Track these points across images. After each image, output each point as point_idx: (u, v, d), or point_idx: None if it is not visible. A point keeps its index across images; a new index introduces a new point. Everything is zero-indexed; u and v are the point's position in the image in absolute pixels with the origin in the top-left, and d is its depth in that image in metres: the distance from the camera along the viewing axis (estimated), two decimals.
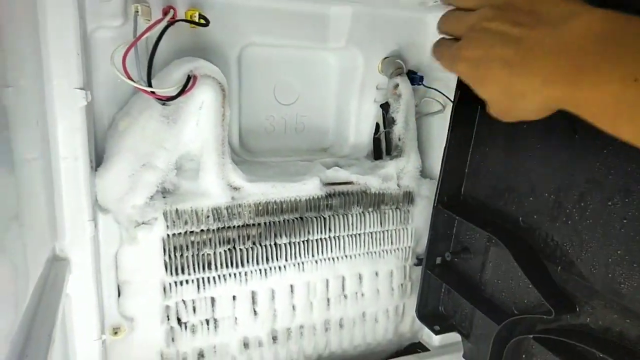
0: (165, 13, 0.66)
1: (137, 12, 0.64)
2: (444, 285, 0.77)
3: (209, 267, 0.74)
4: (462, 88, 0.67)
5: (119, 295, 0.71)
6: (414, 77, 0.88)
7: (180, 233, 0.71)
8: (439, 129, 0.91)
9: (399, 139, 0.88)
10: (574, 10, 0.35)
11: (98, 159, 0.68)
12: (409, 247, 0.90)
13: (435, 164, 0.92)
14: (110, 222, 0.67)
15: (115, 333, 0.71)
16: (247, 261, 0.76)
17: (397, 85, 0.86)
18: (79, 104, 0.57)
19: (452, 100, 0.69)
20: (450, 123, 0.70)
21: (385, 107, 0.89)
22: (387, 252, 0.88)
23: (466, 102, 0.67)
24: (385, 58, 0.88)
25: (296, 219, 0.79)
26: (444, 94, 0.88)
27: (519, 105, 0.39)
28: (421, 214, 0.90)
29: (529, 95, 0.37)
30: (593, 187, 0.52)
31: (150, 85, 0.64)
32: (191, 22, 0.67)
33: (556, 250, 0.57)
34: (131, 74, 0.63)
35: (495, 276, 0.68)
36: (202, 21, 0.68)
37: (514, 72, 0.37)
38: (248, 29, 0.78)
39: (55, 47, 0.54)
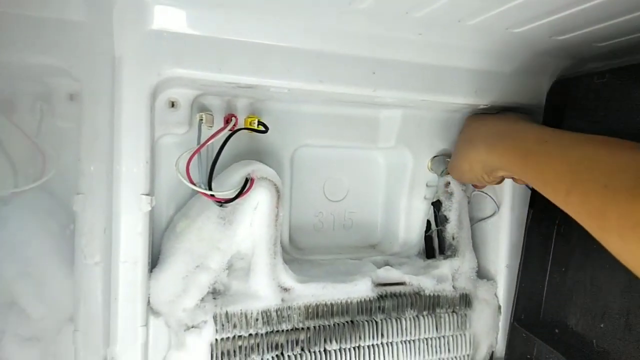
0: (227, 121, 0.70)
1: (202, 120, 0.68)
2: None
3: None
4: (535, 207, 0.73)
5: None
6: None
7: (228, 337, 0.69)
8: (495, 226, 0.88)
9: (453, 238, 0.86)
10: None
11: (153, 260, 0.68)
12: (468, 355, 0.83)
13: (492, 264, 0.88)
14: (161, 326, 0.66)
15: None
16: None
17: (448, 184, 0.86)
18: (144, 210, 0.59)
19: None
20: (524, 242, 0.73)
21: (437, 205, 0.88)
22: None
23: (540, 220, 0.71)
24: (435, 157, 0.88)
25: (347, 322, 0.76)
26: (493, 199, 0.87)
27: (468, 169, 0.72)
28: (479, 319, 0.84)
29: (474, 163, 0.69)
30: None
31: (210, 189, 0.66)
32: (251, 129, 0.70)
33: None
34: (193, 177, 0.65)
35: None
36: (261, 127, 0.71)
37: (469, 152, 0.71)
38: (302, 133, 0.81)
39: (126, 156, 0.57)
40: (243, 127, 0.71)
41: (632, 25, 0.57)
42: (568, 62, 0.76)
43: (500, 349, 0.87)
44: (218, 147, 0.67)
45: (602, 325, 0.58)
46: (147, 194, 0.59)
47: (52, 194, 0.62)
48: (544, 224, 0.70)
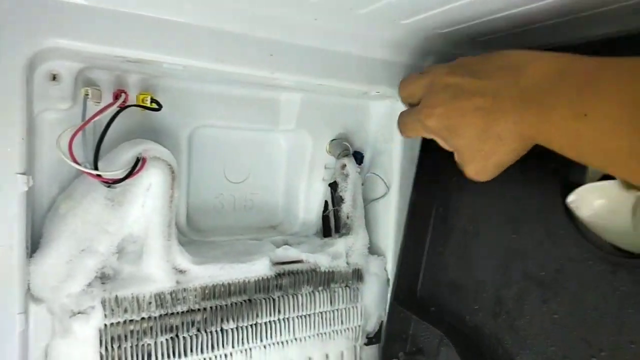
0: (116, 97, 0.67)
1: (87, 95, 0.64)
2: None
3: (149, 358, 0.69)
4: (416, 191, 0.77)
5: None
6: (359, 157, 0.93)
7: (119, 322, 0.67)
8: (385, 206, 0.94)
9: (348, 217, 0.90)
10: (526, 59, 0.40)
11: (34, 244, 0.64)
12: (359, 326, 0.89)
13: (382, 241, 0.94)
14: (43, 314, 0.62)
15: None
16: (191, 350, 0.72)
17: (344, 166, 0.90)
18: (20, 190, 0.55)
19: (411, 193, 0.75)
20: (406, 224, 0.77)
21: (333, 186, 0.92)
22: (337, 332, 0.87)
23: (421, 203, 0.76)
24: (333, 140, 0.92)
25: (244, 301, 0.77)
26: (383, 181, 0.93)
27: (498, 148, 0.41)
28: (370, 292, 0.90)
29: (505, 135, 0.40)
30: (529, 284, 0.57)
31: (96, 169, 0.62)
32: (143, 106, 0.68)
33: (498, 348, 0.59)
34: (77, 156, 0.61)
35: None
36: (154, 105, 0.69)
37: (489, 117, 0.40)
38: (200, 112, 0.79)
39: (0, 133, 0.52)
40: (134, 104, 0.68)
41: (507, 23, 0.64)
42: (451, 55, 0.83)
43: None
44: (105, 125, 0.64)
45: (474, 302, 0.64)
46: (23, 173, 0.55)
47: None
48: (424, 208, 0.75)
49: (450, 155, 0.76)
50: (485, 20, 0.64)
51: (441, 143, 0.48)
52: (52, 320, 0.63)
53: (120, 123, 0.70)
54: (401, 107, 0.88)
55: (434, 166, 0.76)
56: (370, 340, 0.93)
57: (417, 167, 0.78)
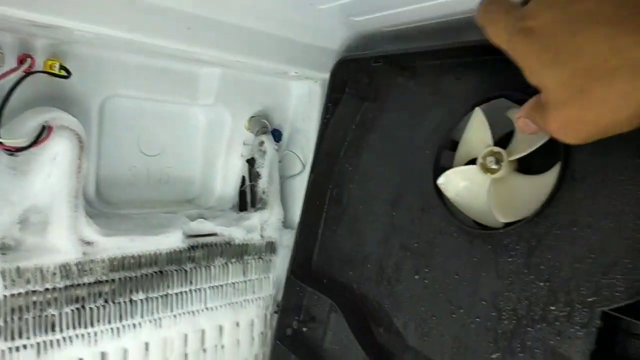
0: (21, 61, 0.63)
1: None
2: (293, 356, 0.81)
3: (53, 329, 0.68)
4: (314, 172, 0.80)
5: None
6: (277, 135, 0.95)
7: (20, 293, 0.65)
8: (301, 182, 0.98)
9: (264, 192, 0.93)
10: None
11: None
12: (270, 295, 0.94)
13: (297, 215, 0.98)
14: None
15: None
16: (98, 320, 0.72)
17: (262, 143, 0.92)
18: None
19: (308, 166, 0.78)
20: (304, 203, 0.81)
21: (251, 162, 0.94)
22: (249, 301, 0.91)
23: (318, 183, 0.80)
24: (252, 117, 0.94)
25: (155, 272, 0.78)
26: (300, 159, 0.97)
27: (627, 89, 0.26)
28: (282, 263, 0.95)
29: None
30: (405, 255, 0.64)
31: None
32: (50, 73, 0.65)
33: (380, 311, 0.67)
34: None
35: (334, 341, 0.76)
36: (63, 72, 0.66)
37: (619, 31, 0.25)
38: (113, 82, 0.77)
39: None
40: (41, 70, 0.65)
41: (419, 15, 0.68)
42: (368, 43, 0.87)
43: None
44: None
45: (361, 273, 0.71)
46: None
47: None
48: (321, 188, 0.81)
49: (348, 138, 0.79)
50: (395, 12, 0.69)
51: (527, 67, 0.32)
52: None
53: (26, 89, 0.66)
54: (319, 89, 0.93)
55: (330, 150, 0.81)
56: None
57: (314, 150, 0.82)
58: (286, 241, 0.96)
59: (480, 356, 0.55)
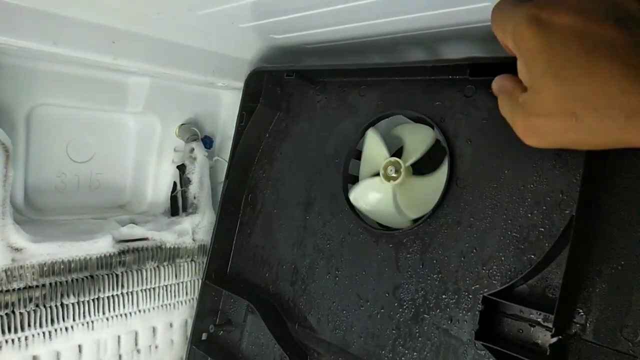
0: None
1: None
2: (209, 359, 0.83)
3: None
4: (230, 177, 0.85)
5: None
6: (208, 142, 1.00)
7: None
8: None
9: (194, 197, 0.97)
10: None
11: None
12: None
13: None
14: None
15: None
16: (29, 325, 0.74)
17: (192, 150, 0.97)
18: None
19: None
20: (219, 209, 0.85)
21: (182, 168, 0.98)
22: (182, 302, 0.94)
23: (234, 189, 0.85)
24: (182, 124, 0.98)
25: (86, 277, 0.80)
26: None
27: (624, 126, 0.26)
28: None
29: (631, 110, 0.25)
30: (318, 255, 0.71)
31: None
32: None
33: (295, 309, 0.73)
34: None
35: (251, 342, 0.81)
36: None
37: (623, 63, 0.25)
38: (40, 91, 0.79)
39: None
40: None
41: (333, 35, 0.76)
42: (288, 56, 0.94)
43: None
44: None
45: (276, 274, 0.77)
46: None
47: None
48: (236, 193, 0.85)
49: (262, 146, 0.86)
50: (308, 33, 0.76)
51: (522, 64, 0.31)
52: None
53: None
54: None
55: (245, 157, 0.85)
56: None
57: (230, 156, 0.86)
58: None
59: (385, 342, 0.63)
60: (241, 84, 0.91)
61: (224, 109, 1.04)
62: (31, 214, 0.83)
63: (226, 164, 1.02)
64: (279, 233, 0.78)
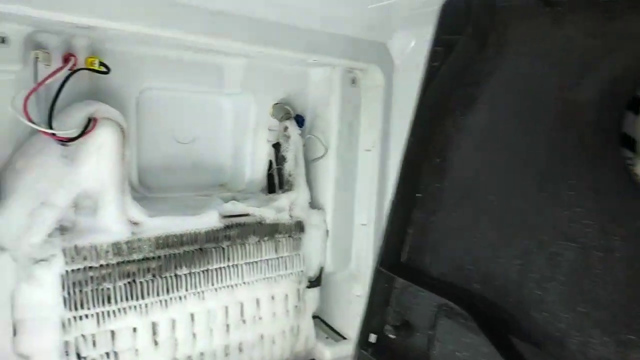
0: (66, 60, 0.71)
1: (37, 58, 0.68)
2: None
3: (109, 301, 0.76)
4: (416, 137, 0.64)
5: (14, 334, 0.70)
6: (300, 120, 1.01)
7: (79, 269, 0.73)
8: (324, 165, 1.03)
9: (290, 175, 0.99)
10: None
11: None
12: (301, 271, 1.00)
13: (322, 196, 1.04)
14: (7, 262, 0.67)
15: None
16: (148, 293, 0.79)
17: (286, 128, 0.98)
18: None
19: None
20: (398, 178, 0.66)
21: (276, 146, 1.00)
22: (282, 276, 0.97)
23: (413, 156, 0.65)
24: (276, 104, 1.00)
25: (196, 250, 0.85)
26: (322, 142, 1.01)
27: None
28: (311, 241, 1.01)
29: None
30: (565, 246, 0.48)
31: (51, 128, 0.67)
32: (92, 70, 0.72)
33: (522, 319, 0.49)
34: (32, 116, 0.66)
35: (449, 356, 0.56)
36: (103, 69, 0.74)
37: None
38: (147, 75, 0.84)
39: None
40: (83, 67, 0.72)
41: None
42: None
43: (329, 264, 1.05)
44: (57, 86, 0.69)
45: (485, 269, 0.55)
46: None
47: None
48: (419, 157, 0.66)
49: (459, 92, 0.63)
50: None
51: None
52: (16, 267, 0.69)
53: (71, 85, 0.74)
54: (338, 75, 0.98)
55: (435, 108, 0.64)
56: (312, 283, 1.04)
57: (416, 107, 0.67)
58: (313, 220, 1.01)
59: None
60: (330, 59, 0.90)
61: (313, 86, 1.04)
62: (144, 191, 0.90)
63: (318, 142, 1.03)
64: (488, 212, 0.55)
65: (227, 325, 0.91)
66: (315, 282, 1.05)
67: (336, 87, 0.99)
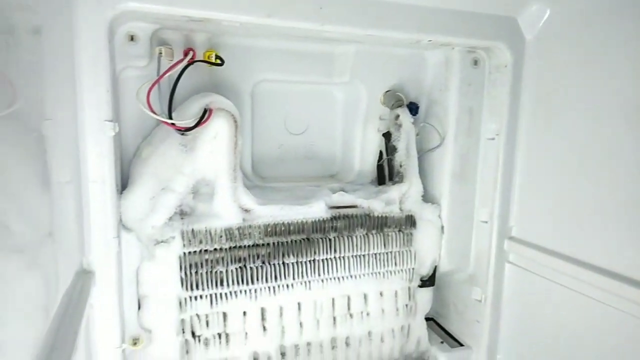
0: (185, 54, 0.75)
1: (161, 53, 0.73)
2: None
3: (221, 284, 0.79)
4: None
5: (139, 308, 0.77)
6: (414, 108, 0.95)
7: (195, 251, 0.77)
8: (440, 155, 0.96)
9: (401, 166, 0.94)
10: None
11: (123, 183, 0.76)
12: (412, 268, 0.94)
13: (437, 189, 0.97)
14: (133, 240, 0.74)
15: (135, 344, 0.77)
16: (257, 279, 0.81)
17: (398, 116, 0.93)
18: (108, 134, 0.65)
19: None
20: None
21: (387, 136, 0.95)
22: (391, 273, 0.92)
23: None
24: (387, 91, 0.95)
25: (303, 239, 0.85)
26: (438, 131, 0.94)
27: None
28: (423, 237, 0.94)
29: None
30: None
31: (170, 118, 0.72)
32: (208, 62, 0.76)
33: None
34: (154, 107, 0.71)
35: None
36: (218, 61, 0.77)
37: None
38: (260, 68, 0.86)
39: (88, 85, 0.63)
40: (200, 59, 0.76)
41: None
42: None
43: (444, 264, 0.97)
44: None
45: None
46: (110, 120, 0.65)
47: (23, 121, 0.67)
48: None
49: None
50: None
51: None
52: (140, 247, 0.75)
53: (191, 79, 0.79)
54: (457, 56, 0.89)
55: None
56: (424, 282, 0.97)
57: None
58: (427, 215, 0.95)
59: None
60: (447, 38, 0.82)
61: (430, 70, 0.97)
62: (257, 180, 0.92)
63: (433, 131, 0.96)
64: None
65: (334, 318, 0.89)
66: (428, 281, 0.98)
67: (455, 69, 0.91)
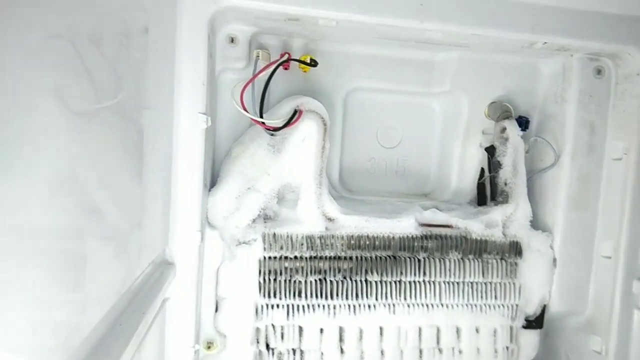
0: (281, 57, 0.75)
1: (258, 56, 0.74)
2: None
3: (299, 295, 0.75)
4: None
5: (216, 310, 0.75)
6: (523, 122, 0.84)
7: (275, 257, 0.74)
8: (554, 176, 0.84)
9: (505, 184, 0.83)
10: None
11: (213, 181, 0.76)
12: (516, 305, 0.81)
13: (549, 215, 0.84)
14: (216, 239, 0.74)
15: (209, 347, 0.75)
16: (337, 294, 0.76)
17: (504, 129, 0.83)
18: (201, 126, 0.66)
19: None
20: None
21: (490, 150, 0.86)
22: (489, 306, 0.81)
23: None
24: (493, 102, 0.86)
25: (389, 257, 0.78)
26: (553, 148, 0.82)
27: None
28: (531, 269, 0.82)
29: None
30: None
31: (261, 117, 0.71)
32: (300, 61, 0.75)
33: None
34: (247, 107, 0.71)
35: None
36: (312, 63, 0.75)
37: None
38: (354, 74, 0.84)
39: (186, 77, 0.65)
40: (292, 58, 0.75)
41: None
42: None
43: (555, 303, 0.83)
44: (271, 83, 0.73)
45: None
46: (203, 113, 0.66)
47: (124, 112, 0.71)
48: None
49: None
50: None
51: None
52: (222, 247, 0.74)
53: (286, 84, 0.79)
54: (577, 64, 0.79)
55: None
56: (530, 323, 0.84)
57: None
58: (536, 244, 0.82)
59: None
60: (568, 41, 0.73)
61: (544, 82, 0.86)
62: (343, 192, 0.88)
63: (547, 149, 0.84)
64: None
65: (420, 350, 0.80)
66: (534, 322, 0.84)
67: (574, 79, 0.80)
